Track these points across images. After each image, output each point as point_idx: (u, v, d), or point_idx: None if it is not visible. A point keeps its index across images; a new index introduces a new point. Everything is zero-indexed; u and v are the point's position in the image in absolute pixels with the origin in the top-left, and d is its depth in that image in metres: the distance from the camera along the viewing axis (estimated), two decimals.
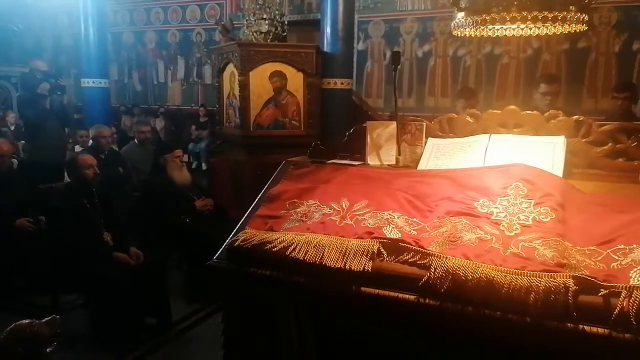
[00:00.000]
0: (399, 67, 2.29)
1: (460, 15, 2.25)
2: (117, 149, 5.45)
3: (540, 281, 1.34)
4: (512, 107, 2.11)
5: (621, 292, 1.27)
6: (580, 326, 1.28)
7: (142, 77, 11.19)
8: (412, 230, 1.64)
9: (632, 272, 1.32)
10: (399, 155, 2.19)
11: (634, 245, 1.41)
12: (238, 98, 4.93)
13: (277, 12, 5.96)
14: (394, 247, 1.58)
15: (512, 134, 2.04)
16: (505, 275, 1.38)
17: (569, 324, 1.29)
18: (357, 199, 1.84)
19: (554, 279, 1.33)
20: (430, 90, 8.36)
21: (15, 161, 5.06)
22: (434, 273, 1.46)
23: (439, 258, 1.49)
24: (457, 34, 2.43)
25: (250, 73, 4.87)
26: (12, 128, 8.33)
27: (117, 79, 11.04)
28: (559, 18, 2.07)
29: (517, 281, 1.36)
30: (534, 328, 1.32)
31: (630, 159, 1.89)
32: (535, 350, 1.36)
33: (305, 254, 1.62)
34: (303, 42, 7.16)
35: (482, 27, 2.24)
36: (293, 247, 1.65)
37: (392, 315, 1.52)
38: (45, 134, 5.19)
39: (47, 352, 1.71)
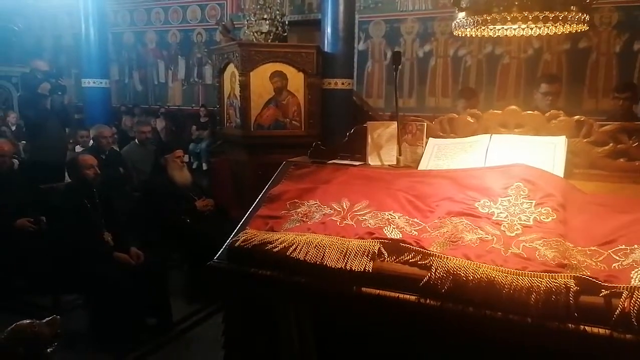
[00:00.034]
0: (399, 67, 2.29)
1: (461, 15, 2.25)
2: (117, 149, 5.45)
3: (541, 282, 1.34)
4: (513, 107, 2.11)
5: (622, 292, 1.27)
6: (581, 327, 1.28)
7: (142, 77, 11.20)
8: (412, 231, 1.64)
9: (633, 272, 1.31)
10: (400, 155, 2.19)
11: (635, 246, 1.41)
12: (239, 98, 4.94)
13: (277, 12, 5.97)
14: (395, 247, 1.58)
15: (513, 134, 2.04)
16: (506, 276, 1.38)
17: (570, 325, 1.29)
18: (357, 199, 1.84)
19: (555, 279, 1.33)
20: (431, 90, 8.36)
21: (16, 161, 5.06)
22: (434, 273, 1.46)
23: (440, 258, 1.48)
24: (458, 34, 2.44)
25: (251, 73, 4.88)
26: (13, 128, 8.34)
27: (117, 79, 11.04)
28: (560, 18, 2.07)
29: (518, 281, 1.36)
30: (535, 329, 1.32)
31: (631, 160, 1.89)
32: (536, 351, 1.35)
33: (306, 255, 1.61)
34: (304, 42, 7.16)
35: (483, 27, 2.24)
36: (294, 247, 1.64)
37: (393, 315, 1.52)
38: (46, 134, 5.20)
39: (48, 353, 1.71)
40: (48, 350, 1.71)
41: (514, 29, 2.24)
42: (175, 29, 10.72)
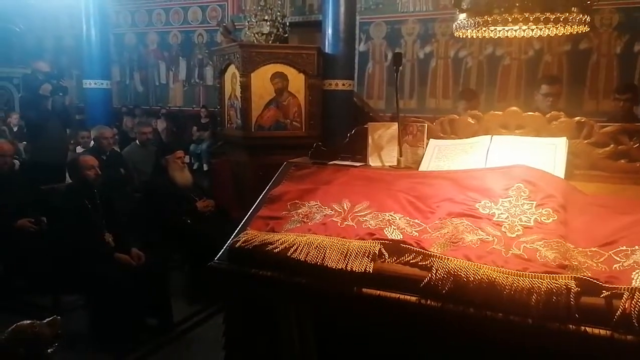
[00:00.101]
0: (400, 68, 2.29)
1: (462, 16, 2.25)
2: (118, 150, 5.46)
3: (542, 283, 1.34)
4: (514, 108, 2.11)
5: (623, 293, 1.27)
6: (582, 328, 1.28)
7: (143, 78, 11.21)
8: (413, 232, 1.64)
9: (634, 273, 1.31)
10: (401, 156, 2.19)
11: (636, 247, 1.41)
12: (239, 99, 4.94)
13: (278, 13, 5.96)
14: (396, 248, 1.58)
15: (514, 135, 2.04)
16: (506, 277, 1.38)
17: (570, 326, 1.29)
18: (358, 200, 1.84)
19: (556, 280, 1.33)
20: (431, 91, 8.36)
21: (17, 162, 5.07)
22: (435, 274, 1.46)
23: (441, 259, 1.48)
24: (459, 36, 2.44)
25: (252, 74, 4.87)
26: (15, 129, 8.34)
27: (118, 80, 11.06)
28: (561, 19, 2.07)
29: (518, 282, 1.36)
30: (535, 330, 1.32)
31: (632, 161, 1.89)
32: (537, 352, 1.35)
33: (307, 255, 1.62)
34: (304, 43, 7.15)
35: (484, 29, 2.25)
36: (294, 248, 1.65)
37: (394, 316, 1.52)
38: (47, 135, 5.20)
39: (48, 353, 1.71)
40: (48, 350, 1.71)
41: (515, 30, 2.24)
42: (177, 30, 10.73)
